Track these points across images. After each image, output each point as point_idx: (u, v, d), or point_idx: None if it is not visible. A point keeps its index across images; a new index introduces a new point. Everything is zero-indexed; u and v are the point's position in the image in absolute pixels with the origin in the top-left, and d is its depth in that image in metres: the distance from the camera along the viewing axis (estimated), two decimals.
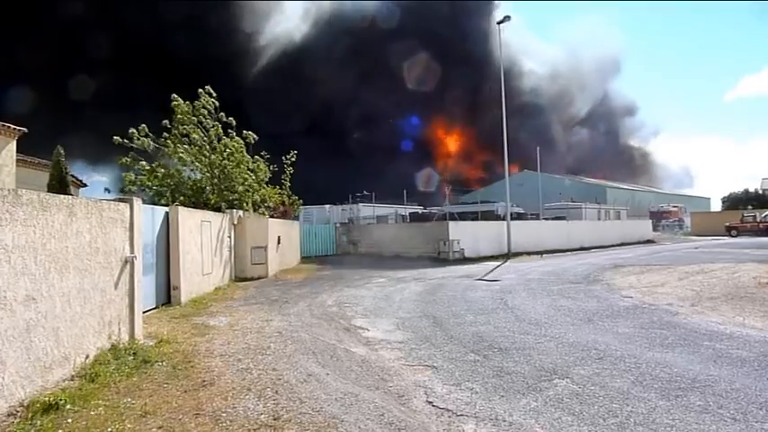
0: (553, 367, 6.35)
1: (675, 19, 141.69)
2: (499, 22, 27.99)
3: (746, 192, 69.51)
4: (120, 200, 7.85)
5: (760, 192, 67.84)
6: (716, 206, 73.18)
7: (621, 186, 68.23)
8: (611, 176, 76.26)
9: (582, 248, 31.54)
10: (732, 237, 41.61)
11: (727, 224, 44.77)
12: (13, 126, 17.34)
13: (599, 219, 40.38)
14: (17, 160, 17.99)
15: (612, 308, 10.52)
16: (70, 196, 6.72)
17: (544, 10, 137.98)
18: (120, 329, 7.26)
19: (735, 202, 65.47)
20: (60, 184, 16.10)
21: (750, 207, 53.71)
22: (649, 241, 39.41)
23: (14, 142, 17.44)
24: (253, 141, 18.79)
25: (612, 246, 34.40)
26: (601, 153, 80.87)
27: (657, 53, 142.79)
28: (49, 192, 15.61)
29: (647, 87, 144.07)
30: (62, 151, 16.92)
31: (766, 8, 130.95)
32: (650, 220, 48.06)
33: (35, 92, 41.78)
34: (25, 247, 5.23)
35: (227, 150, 17.67)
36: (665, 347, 7.21)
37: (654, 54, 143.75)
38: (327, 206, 35.66)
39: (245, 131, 18.67)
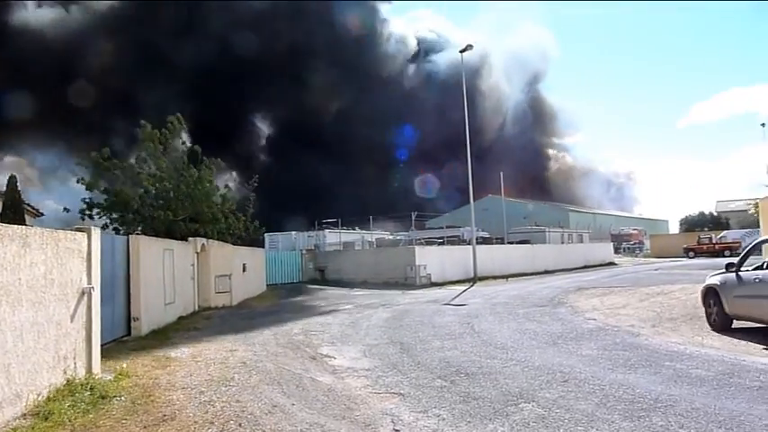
0: (519, 391, 6.36)
1: (628, 54, 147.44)
2: (462, 51, 28.56)
3: (702, 214, 71.84)
4: (78, 229, 7.63)
5: (715, 214, 70.20)
6: (674, 229, 75.35)
7: (584, 210, 69.73)
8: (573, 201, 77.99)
9: (546, 271, 31.97)
10: (690, 258, 42.79)
11: (685, 246, 46.06)
12: None
13: (562, 242, 41.09)
14: None
15: (577, 330, 10.65)
16: (24, 226, 6.52)
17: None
18: (76, 364, 7.00)
19: (692, 225, 67.55)
20: (14, 213, 15.58)
21: (706, 229, 55.48)
22: (611, 263, 40.24)
23: None
24: (222, 166, 18.66)
25: (576, 268, 34.97)
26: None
27: (611, 88, 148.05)
28: (1, 221, 15.14)
29: (605, 117, 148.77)
30: (17, 178, 16.44)
31: (711, 42, 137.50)
32: (612, 243, 49.16)
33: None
34: None
35: (193, 179, 17.45)
36: (628, 369, 7.31)
37: (609, 89, 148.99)
38: (293, 233, 35.39)
39: (212, 158, 18.53)
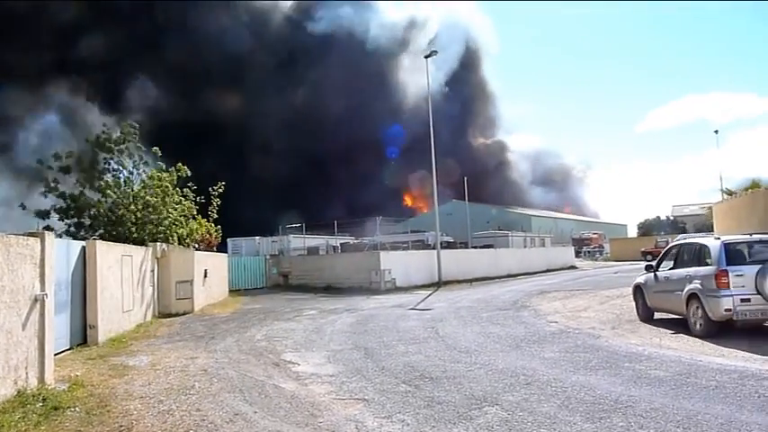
0: (483, 395, 6.39)
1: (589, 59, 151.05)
2: (426, 56, 28.77)
3: (659, 218, 74.01)
4: (31, 234, 7.36)
5: (671, 218, 72.40)
6: (632, 233, 77.36)
7: (545, 215, 70.98)
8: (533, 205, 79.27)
9: (509, 275, 32.35)
10: (647, 261, 43.89)
11: (643, 249, 47.25)
12: None
13: (525, 246, 41.67)
14: None
15: (539, 333, 10.79)
16: None
17: None
18: (27, 374, 6.73)
19: (649, 229, 69.50)
20: None
21: (663, 233, 57.12)
22: (572, 267, 40.99)
23: None
24: (186, 175, 18.32)
25: (538, 272, 35.48)
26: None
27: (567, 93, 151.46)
28: None
29: (565, 123, 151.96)
30: None
31: (669, 49, 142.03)
32: (573, 247, 50.13)
33: None
34: None
35: (152, 183, 17.09)
36: (589, 370, 7.43)
37: (565, 94, 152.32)
38: (257, 238, 34.91)
39: (178, 165, 18.19)
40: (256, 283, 30.42)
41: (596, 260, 53.29)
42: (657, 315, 11.75)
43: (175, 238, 17.81)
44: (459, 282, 27.42)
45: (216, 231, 22.14)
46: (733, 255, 9.46)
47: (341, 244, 32.96)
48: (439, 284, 25.79)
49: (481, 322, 12.65)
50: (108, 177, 16.35)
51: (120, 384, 7.53)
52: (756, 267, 9.07)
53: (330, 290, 25.55)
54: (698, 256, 10.24)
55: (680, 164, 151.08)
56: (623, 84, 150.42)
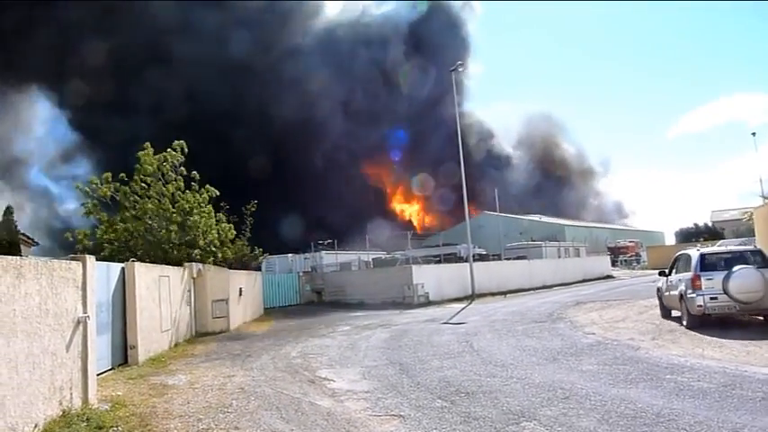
0: (520, 409, 6.31)
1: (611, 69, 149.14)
2: (452, 70, 28.85)
3: (697, 225, 72.09)
4: (73, 258, 7.60)
5: (710, 224, 70.45)
6: (670, 240, 75.47)
7: (579, 224, 69.88)
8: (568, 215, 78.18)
9: (544, 286, 31.91)
10: None
11: None
12: None
13: (559, 257, 41.03)
14: None
15: (576, 345, 10.61)
16: (18, 257, 6.48)
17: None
18: (72, 394, 6.92)
19: (687, 236, 67.69)
20: (9, 244, 15.55)
21: (702, 240, 55.59)
22: (609, 277, 40.18)
23: None
24: (215, 195, 18.63)
25: (574, 282, 34.91)
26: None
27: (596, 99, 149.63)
28: None
29: (593, 128, 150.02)
30: (13, 209, 16.43)
31: (699, 51, 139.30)
32: (609, 256, 49.13)
33: None
34: None
35: (188, 205, 17.42)
36: (629, 383, 7.27)
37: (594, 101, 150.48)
38: (290, 255, 35.28)
39: (207, 186, 18.52)
40: (290, 301, 30.69)
41: (633, 269, 52.09)
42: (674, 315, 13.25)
43: (211, 258, 18.11)
44: (492, 294, 27.17)
45: (255, 252, 22.43)
46: (707, 263, 11.93)
47: (373, 259, 33.02)
48: (472, 297, 25.58)
49: (516, 335, 12.50)
50: (147, 202, 16.66)
51: (160, 403, 7.68)
52: (724, 273, 11.29)
53: (363, 305, 25.59)
54: (687, 263, 12.55)
55: (717, 168, 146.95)
56: (652, 87, 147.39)
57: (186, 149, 17.71)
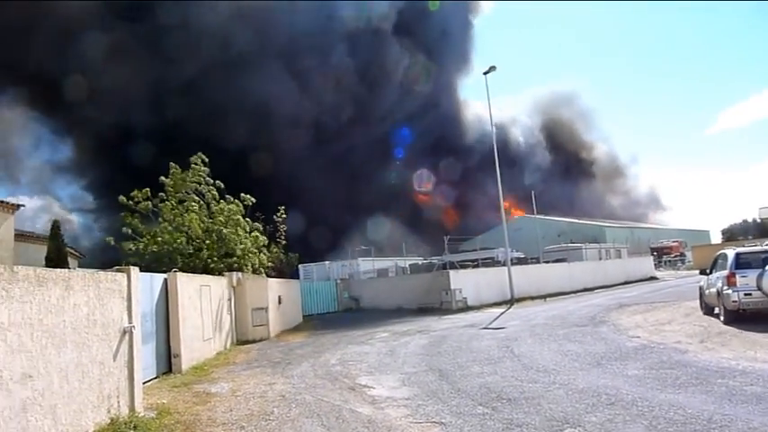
0: (564, 416, 6.19)
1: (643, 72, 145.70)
2: (485, 73, 28.58)
3: (745, 222, 69.68)
4: (118, 269, 7.82)
5: (759, 221, 67.94)
6: (716, 238, 73.07)
7: (620, 225, 68.34)
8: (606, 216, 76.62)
9: (585, 289, 31.29)
10: None
11: None
12: (11, 201, 17.47)
13: (600, 258, 40.22)
14: (16, 235, 18.01)
15: (621, 349, 10.35)
16: (67, 270, 6.71)
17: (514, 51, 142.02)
18: (119, 402, 7.10)
19: (734, 234, 65.43)
20: (58, 257, 16.09)
21: (750, 237, 53.61)
22: (652, 278, 39.16)
23: (13, 217, 17.51)
24: (250, 204, 18.94)
25: (616, 285, 34.14)
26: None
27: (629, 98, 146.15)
28: (47, 265, 15.68)
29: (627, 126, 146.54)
30: (60, 223, 17.00)
31: (733, 46, 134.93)
32: (652, 257, 47.88)
33: None
34: (21, 324, 5.18)
35: (224, 214, 17.77)
36: (678, 388, 7.05)
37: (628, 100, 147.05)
38: (327, 262, 35.53)
39: (242, 194, 18.84)
40: (328, 308, 30.86)
41: (678, 269, 50.62)
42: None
43: (249, 266, 18.39)
44: (532, 298, 26.78)
45: (289, 258, 22.69)
46: (742, 261, 12.53)
47: (410, 265, 32.98)
48: (511, 302, 25.25)
49: (558, 340, 12.28)
50: (187, 216, 17.02)
51: (203, 411, 7.81)
52: (758, 271, 11.79)
53: (401, 311, 25.54)
54: (724, 262, 13.20)
55: (764, 163, 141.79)
56: (686, 85, 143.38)
57: (206, 159, 18.13)
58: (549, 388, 7.65)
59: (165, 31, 44.47)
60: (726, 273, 12.56)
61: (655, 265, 46.76)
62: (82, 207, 51.24)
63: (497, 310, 22.27)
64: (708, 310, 14.37)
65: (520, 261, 32.08)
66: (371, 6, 56.51)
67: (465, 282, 25.57)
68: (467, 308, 24.38)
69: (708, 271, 14.64)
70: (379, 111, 57.84)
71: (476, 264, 30.53)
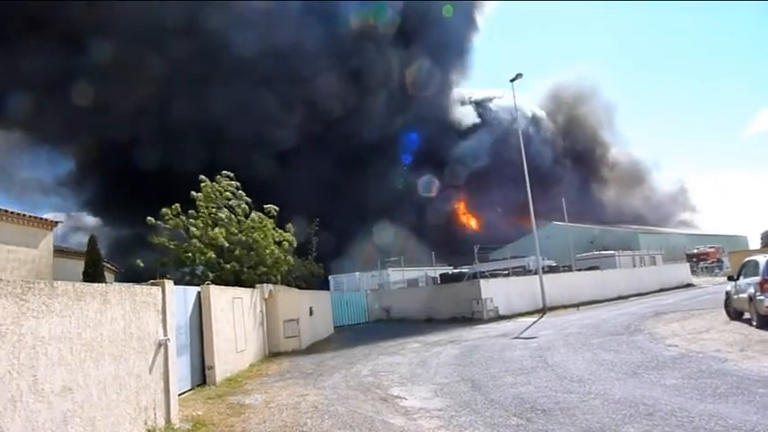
0: (600, 427, 6.07)
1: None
2: (512, 80, 28.42)
3: None
4: (153, 283, 7.98)
5: None
6: (755, 244, 70.89)
7: (654, 231, 66.93)
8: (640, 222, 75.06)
9: (619, 297, 30.71)
10: None
11: None
12: (49, 218, 17.99)
13: (634, 266, 39.44)
14: (54, 250, 18.52)
15: (658, 358, 10.11)
16: (104, 284, 6.87)
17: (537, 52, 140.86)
18: (155, 414, 7.22)
19: None
20: (95, 271, 16.48)
21: None
22: (689, 285, 38.23)
23: (51, 234, 18.02)
24: (275, 213, 19.11)
25: (651, 292, 33.42)
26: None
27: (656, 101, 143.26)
28: (84, 279, 16.08)
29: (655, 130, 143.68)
30: (96, 238, 17.44)
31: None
32: (688, 263, 46.72)
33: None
34: (61, 338, 5.32)
35: (254, 226, 18.00)
36: (718, 398, 6.86)
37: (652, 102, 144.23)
38: (357, 273, 35.65)
39: (266, 205, 19.04)
40: (359, 319, 30.91)
41: (715, 276, 49.26)
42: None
43: (278, 277, 18.56)
44: (564, 307, 26.40)
45: (318, 268, 22.84)
46: None
47: (440, 274, 32.85)
48: (543, 310, 24.92)
49: (592, 349, 12.06)
50: (216, 229, 17.28)
51: (237, 423, 7.88)
52: None
53: (432, 321, 25.42)
54: (755, 268, 13.26)
55: None
56: (719, 88, 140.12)
57: (232, 175, 18.41)
58: (584, 398, 7.52)
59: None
60: (758, 279, 12.69)
61: (691, 271, 45.62)
62: (78, 225, 51.66)
63: (529, 320, 21.99)
64: (736, 315, 14.66)
65: (551, 269, 31.65)
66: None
67: (496, 291, 25.35)
68: (498, 317, 24.15)
69: (735, 277, 14.93)
70: (381, 117, 57.75)
71: (507, 273, 30.23)
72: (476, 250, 31.53)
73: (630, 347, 11.78)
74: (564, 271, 33.05)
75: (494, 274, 28.97)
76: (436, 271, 33.83)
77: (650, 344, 12.09)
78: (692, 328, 14.09)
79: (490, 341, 15.60)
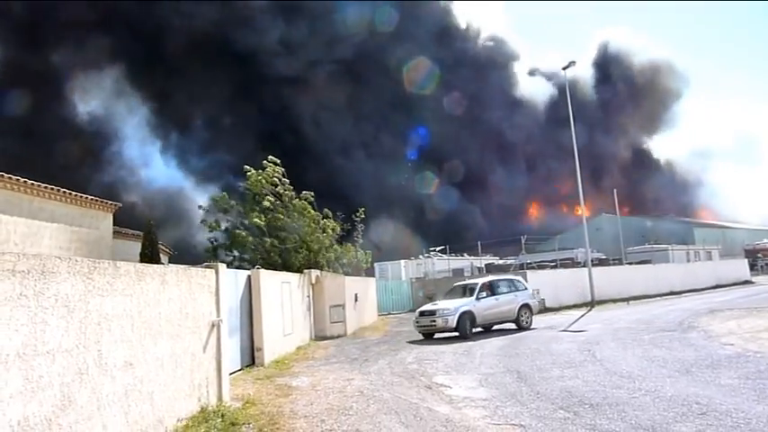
0: (651, 424, 5.95)
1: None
2: (564, 68, 27.78)
3: None
4: (207, 266, 8.24)
5: None
6: None
7: (711, 224, 64.41)
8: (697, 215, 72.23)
9: (671, 293, 29.82)
10: None
11: None
12: (110, 202, 18.73)
13: (688, 260, 38.20)
14: (113, 232, 19.29)
15: (712, 357, 9.80)
16: (162, 265, 7.13)
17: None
18: (208, 392, 7.48)
19: None
20: (152, 253, 17.10)
21: None
22: (747, 282, 36.74)
23: (111, 216, 18.76)
24: (312, 199, 19.23)
25: (706, 289, 32.30)
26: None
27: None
28: (141, 260, 16.72)
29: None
30: (153, 222, 18.08)
31: None
32: (746, 259, 44.87)
33: None
34: (123, 316, 5.56)
35: (300, 212, 18.28)
36: None
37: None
38: (402, 261, 35.71)
39: (304, 192, 19.18)
40: (403, 306, 31.03)
41: None
42: None
43: (325, 262, 18.81)
44: (613, 301, 25.83)
45: (366, 255, 23.03)
46: None
47: (485, 265, 32.60)
48: (592, 304, 24.44)
49: (643, 345, 11.78)
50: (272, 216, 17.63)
51: (286, 403, 8.09)
52: None
53: None
54: None
55: None
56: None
57: (278, 161, 18.65)
58: (634, 394, 7.37)
59: None
60: None
61: (750, 268, 43.78)
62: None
63: (577, 313, 21.62)
64: None
65: (601, 262, 30.99)
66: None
67: (543, 282, 24.98)
68: (545, 309, 23.79)
69: None
70: None
71: (554, 264, 29.75)
72: (523, 241, 31.14)
73: (683, 345, 11.45)
74: (614, 264, 32.29)
75: (541, 266, 28.57)
76: (482, 261, 33.57)
77: (704, 341, 11.72)
78: (749, 326, 13.57)
79: (536, 333, 15.45)
